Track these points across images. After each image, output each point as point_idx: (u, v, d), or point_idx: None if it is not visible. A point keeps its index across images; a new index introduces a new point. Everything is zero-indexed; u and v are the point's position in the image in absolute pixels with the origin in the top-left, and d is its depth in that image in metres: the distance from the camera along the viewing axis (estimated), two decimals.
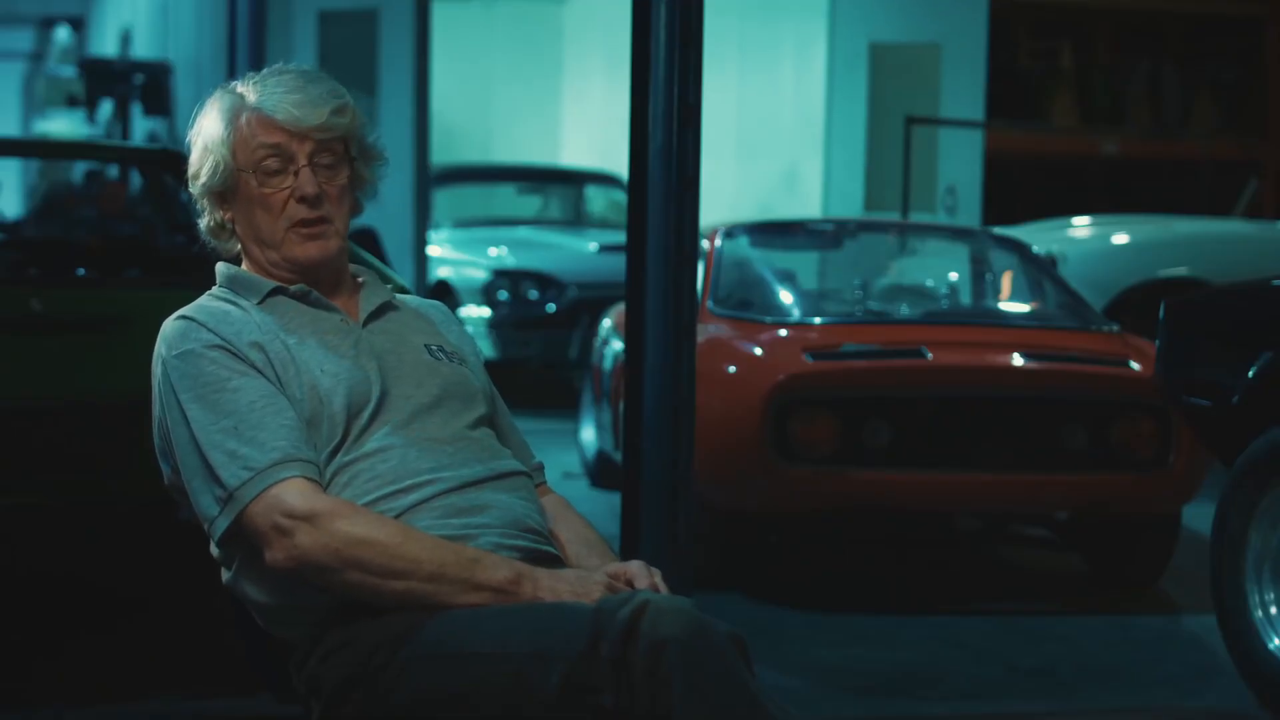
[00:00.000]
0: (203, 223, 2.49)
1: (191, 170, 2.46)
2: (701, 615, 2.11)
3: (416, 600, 2.24)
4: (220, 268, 2.50)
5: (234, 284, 2.47)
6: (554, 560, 2.39)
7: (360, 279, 2.55)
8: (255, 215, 2.43)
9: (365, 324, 2.48)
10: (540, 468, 2.61)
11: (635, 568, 2.32)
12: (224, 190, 2.44)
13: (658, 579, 2.30)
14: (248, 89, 2.43)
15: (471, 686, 2.17)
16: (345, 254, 2.52)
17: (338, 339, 2.42)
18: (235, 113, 2.42)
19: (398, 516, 2.30)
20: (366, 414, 2.36)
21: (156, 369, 2.38)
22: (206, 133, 2.44)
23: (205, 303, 2.44)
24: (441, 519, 2.32)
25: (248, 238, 2.47)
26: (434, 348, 2.51)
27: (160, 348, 2.38)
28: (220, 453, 2.29)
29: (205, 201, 2.47)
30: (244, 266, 2.50)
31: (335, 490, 2.32)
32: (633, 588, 2.28)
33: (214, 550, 2.39)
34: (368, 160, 2.50)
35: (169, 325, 2.39)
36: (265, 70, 2.47)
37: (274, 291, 2.45)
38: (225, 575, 2.40)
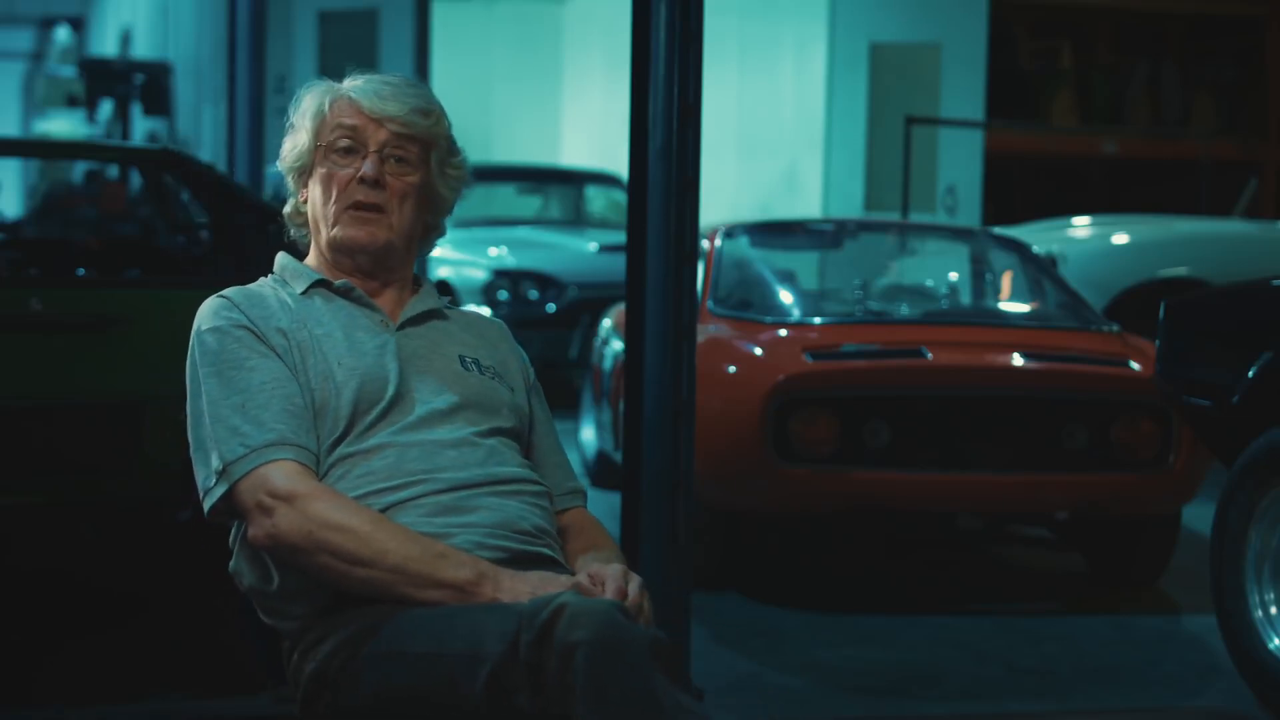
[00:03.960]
0: (287, 208, 2.58)
1: (283, 150, 2.55)
2: (620, 619, 2.08)
3: (379, 590, 2.27)
4: (279, 257, 2.57)
5: (284, 272, 2.55)
6: (548, 562, 2.39)
7: (420, 285, 2.60)
8: (322, 193, 2.50)
9: (401, 327, 2.51)
10: (577, 492, 2.61)
11: (609, 572, 2.30)
12: (303, 168, 2.53)
13: (632, 585, 2.28)
14: (345, 81, 2.54)
15: (415, 686, 2.20)
16: (402, 255, 2.54)
17: (366, 336, 2.46)
18: (329, 95, 2.52)
19: (382, 512, 2.32)
20: (375, 412, 2.39)
21: (191, 342, 2.45)
22: (299, 113, 2.53)
23: (249, 286, 2.52)
24: (425, 517, 2.33)
25: (313, 218, 2.54)
26: (468, 359, 2.53)
27: (196, 322, 2.45)
28: (224, 427, 2.34)
29: (291, 181, 2.56)
30: (309, 256, 2.57)
31: (329, 481, 2.35)
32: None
33: (230, 543, 2.42)
34: (446, 176, 2.55)
35: (207, 302, 2.47)
36: (361, 74, 2.56)
37: (318, 283, 2.51)
38: (231, 564, 2.44)
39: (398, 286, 2.56)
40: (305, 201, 2.54)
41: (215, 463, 2.34)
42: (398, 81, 2.52)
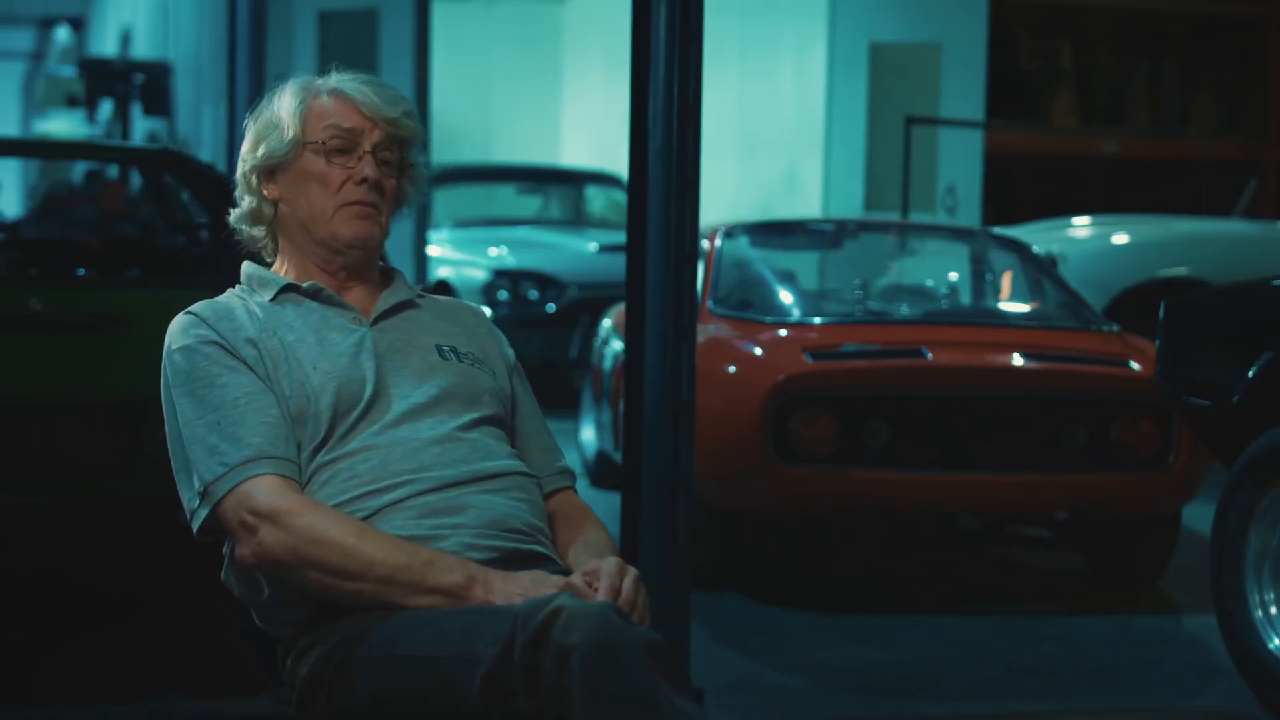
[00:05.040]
0: (238, 210, 2.53)
1: (246, 146, 2.50)
2: (616, 621, 2.07)
3: (371, 601, 2.26)
4: (244, 266, 2.54)
5: (250, 281, 2.52)
6: (540, 559, 2.39)
7: (392, 278, 2.59)
8: (310, 190, 2.47)
9: (375, 322, 2.49)
10: (564, 473, 2.60)
11: (605, 566, 2.29)
12: (279, 165, 2.48)
13: (627, 581, 2.26)
14: (323, 79, 2.51)
15: (409, 689, 2.20)
16: (379, 251, 2.56)
17: (340, 336, 2.44)
18: (311, 91, 2.49)
19: (370, 516, 2.31)
20: (355, 414, 2.38)
21: (163, 363, 2.42)
22: (274, 108, 2.49)
23: (217, 299, 2.49)
24: (415, 519, 2.32)
25: (291, 219, 2.50)
26: (445, 348, 2.52)
27: (166, 342, 2.43)
28: (201, 447, 2.33)
29: (254, 179, 2.50)
30: (277, 262, 2.54)
31: (314, 488, 2.34)
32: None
33: (224, 550, 2.42)
34: (414, 177, 2.55)
35: (175, 320, 2.44)
36: (336, 73, 2.53)
37: (286, 289, 2.48)
38: (222, 573, 2.43)
39: (369, 282, 2.54)
40: (275, 200, 2.50)
41: (196, 484, 2.32)
42: (376, 81, 2.51)
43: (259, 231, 2.54)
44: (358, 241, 2.48)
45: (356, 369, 2.41)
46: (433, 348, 2.50)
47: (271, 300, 2.47)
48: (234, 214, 2.54)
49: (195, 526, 2.35)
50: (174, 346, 2.40)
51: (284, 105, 2.48)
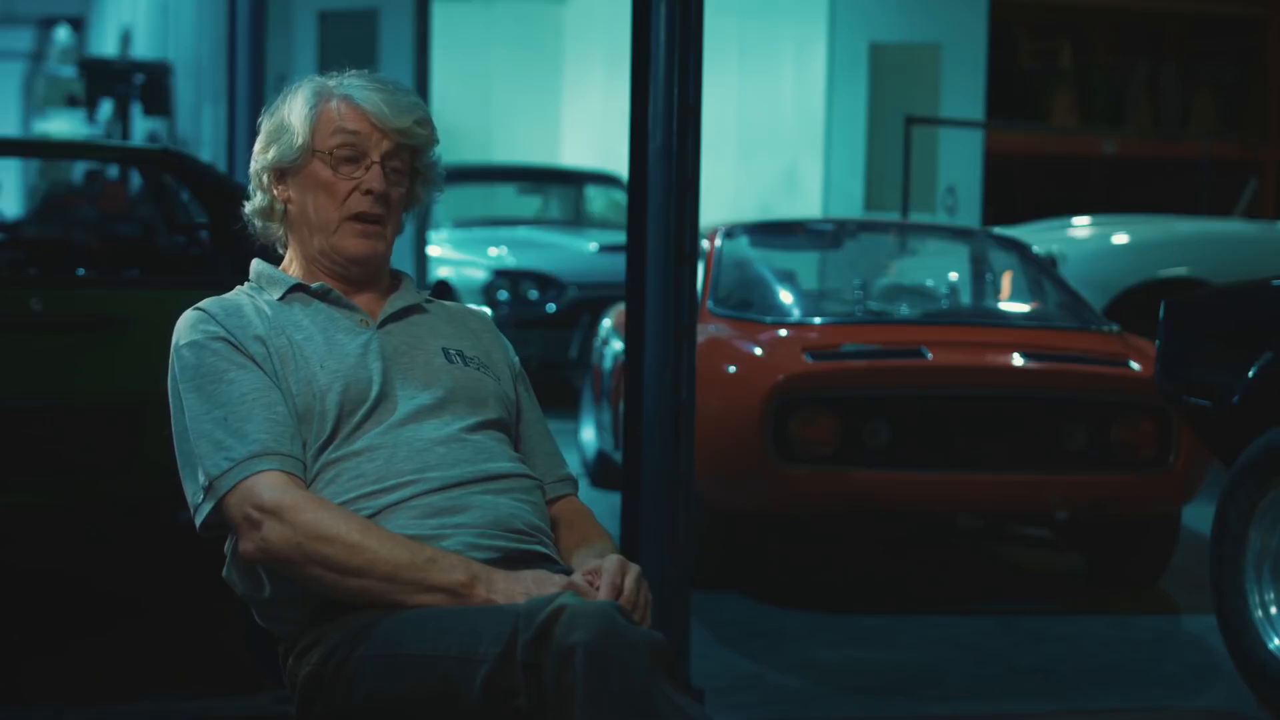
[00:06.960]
0: (251, 204, 2.53)
1: (259, 145, 2.50)
2: (618, 621, 2.07)
3: (373, 598, 2.26)
4: (254, 264, 2.55)
5: (260, 279, 2.53)
6: (541, 559, 2.39)
7: (400, 282, 2.59)
8: (317, 198, 2.47)
9: (382, 325, 2.50)
10: (567, 480, 2.60)
11: (606, 564, 2.29)
12: (289, 168, 2.48)
13: (629, 578, 2.27)
14: (337, 80, 2.50)
15: (410, 688, 2.20)
16: (387, 259, 2.56)
17: (347, 338, 2.45)
18: (322, 96, 2.48)
19: (374, 515, 2.32)
20: (360, 413, 2.38)
21: (170, 359, 2.43)
22: (287, 111, 2.48)
23: (225, 295, 2.49)
24: (418, 519, 2.33)
25: (299, 221, 2.50)
26: (452, 352, 2.52)
27: (174, 337, 2.43)
28: (208, 442, 2.33)
29: (265, 178, 2.50)
30: (286, 259, 2.54)
31: (319, 486, 2.34)
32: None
33: (225, 549, 2.42)
34: (427, 181, 2.55)
35: (184, 316, 2.44)
36: (351, 71, 2.52)
37: (295, 288, 2.49)
38: (224, 571, 2.44)
39: (377, 286, 2.55)
40: (286, 201, 2.50)
41: (201, 478, 2.32)
42: (391, 87, 2.50)
43: (275, 228, 2.54)
44: (360, 259, 2.49)
45: (364, 369, 2.41)
46: (439, 351, 2.51)
47: (280, 299, 2.48)
48: (248, 206, 2.55)
49: (198, 521, 2.35)
50: (182, 342, 2.40)
51: (295, 109, 2.48)
